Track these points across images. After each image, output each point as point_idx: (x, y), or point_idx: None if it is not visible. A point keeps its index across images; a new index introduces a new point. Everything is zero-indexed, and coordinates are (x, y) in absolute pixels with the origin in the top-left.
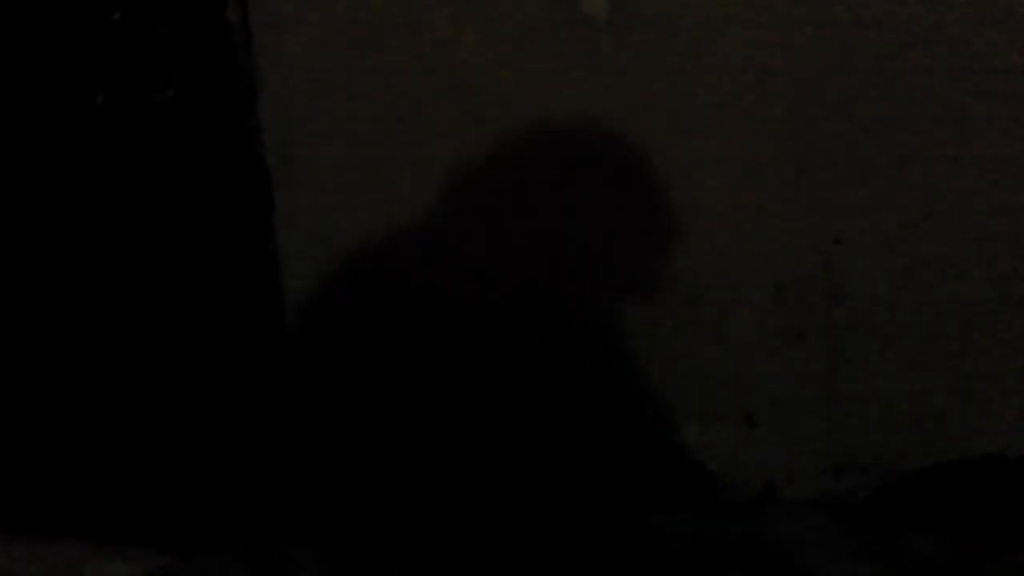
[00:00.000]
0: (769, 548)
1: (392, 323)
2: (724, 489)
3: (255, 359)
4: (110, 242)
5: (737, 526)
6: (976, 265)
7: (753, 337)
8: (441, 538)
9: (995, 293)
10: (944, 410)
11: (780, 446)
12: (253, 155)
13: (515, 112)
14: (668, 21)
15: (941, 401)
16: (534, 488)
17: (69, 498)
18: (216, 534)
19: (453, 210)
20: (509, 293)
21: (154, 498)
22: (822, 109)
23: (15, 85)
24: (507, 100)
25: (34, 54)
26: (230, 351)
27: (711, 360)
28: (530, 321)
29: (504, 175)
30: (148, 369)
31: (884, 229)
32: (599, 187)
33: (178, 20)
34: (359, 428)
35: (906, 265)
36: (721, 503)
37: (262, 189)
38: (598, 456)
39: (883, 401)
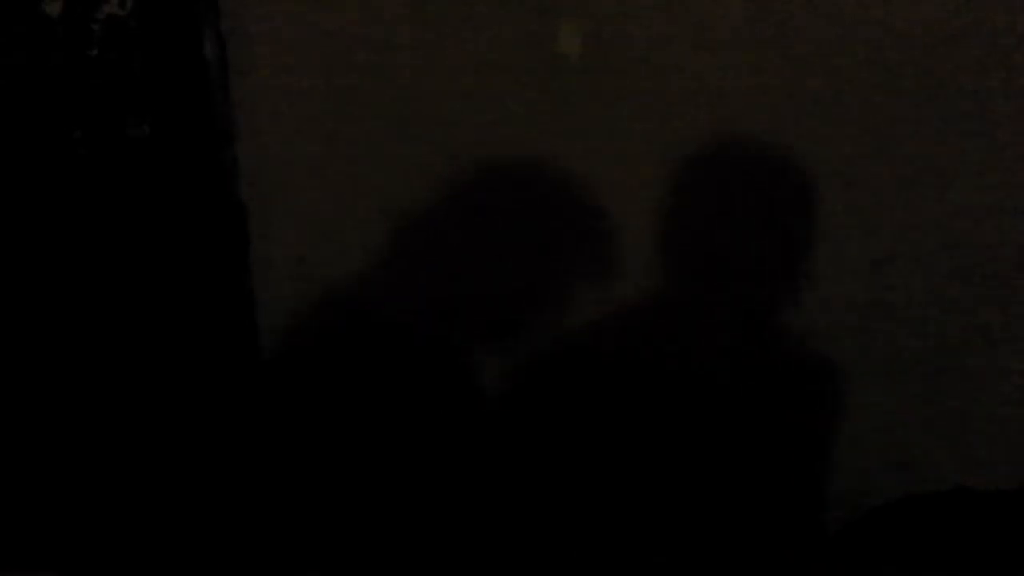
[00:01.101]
0: None
1: (364, 358)
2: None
3: (231, 393)
4: (85, 277)
5: (714, 561)
6: (945, 301)
7: (726, 373)
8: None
9: (965, 327)
10: (914, 444)
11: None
12: (228, 190)
13: (486, 151)
14: (639, 61)
15: (911, 435)
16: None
17: (45, 533)
18: (192, 568)
19: (424, 247)
20: (480, 329)
21: (129, 532)
22: (791, 150)
23: None
24: (479, 139)
25: (10, 90)
26: (206, 385)
27: (683, 394)
28: (498, 356)
29: (475, 213)
30: (124, 404)
31: (853, 266)
32: (569, 225)
33: (154, 56)
34: (333, 461)
35: (875, 301)
36: (700, 537)
37: (237, 224)
38: (566, 488)
39: (854, 435)
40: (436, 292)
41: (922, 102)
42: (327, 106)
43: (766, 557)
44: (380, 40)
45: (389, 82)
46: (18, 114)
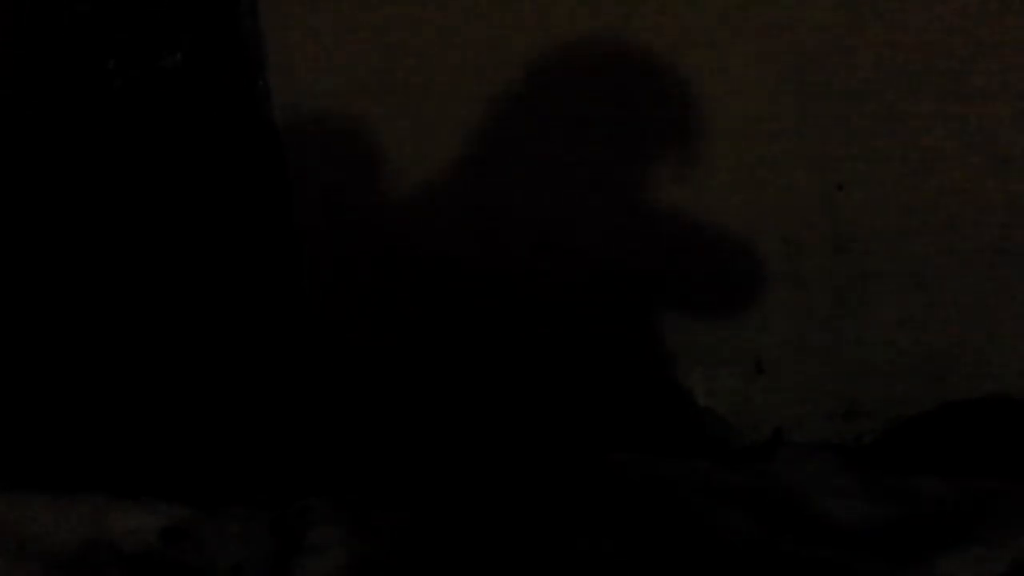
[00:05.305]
0: (778, 492)
1: (403, 282)
2: (733, 434)
3: (273, 318)
4: (123, 206)
5: (746, 471)
6: (977, 210)
7: (760, 284)
8: (452, 489)
9: (996, 236)
10: (949, 352)
11: (788, 391)
12: (261, 117)
13: (516, 66)
14: None
15: (945, 343)
16: (545, 438)
17: (92, 452)
18: (236, 487)
19: (461, 170)
20: (516, 249)
21: (176, 452)
22: (826, 56)
23: (26, 53)
24: (510, 55)
25: (43, 21)
26: (249, 310)
27: (719, 307)
28: (538, 277)
29: (509, 131)
30: (168, 328)
31: (886, 176)
32: (604, 142)
33: None
34: (375, 384)
35: (908, 210)
36: (730, 448)
37: (272, 150)
38: (608, 407)
39: (889, 345)
40: (472, 217)
41: (953, 18)
42: (356, 28)
43: None
44: None
45: (417, 3)
46: (51, 46)
